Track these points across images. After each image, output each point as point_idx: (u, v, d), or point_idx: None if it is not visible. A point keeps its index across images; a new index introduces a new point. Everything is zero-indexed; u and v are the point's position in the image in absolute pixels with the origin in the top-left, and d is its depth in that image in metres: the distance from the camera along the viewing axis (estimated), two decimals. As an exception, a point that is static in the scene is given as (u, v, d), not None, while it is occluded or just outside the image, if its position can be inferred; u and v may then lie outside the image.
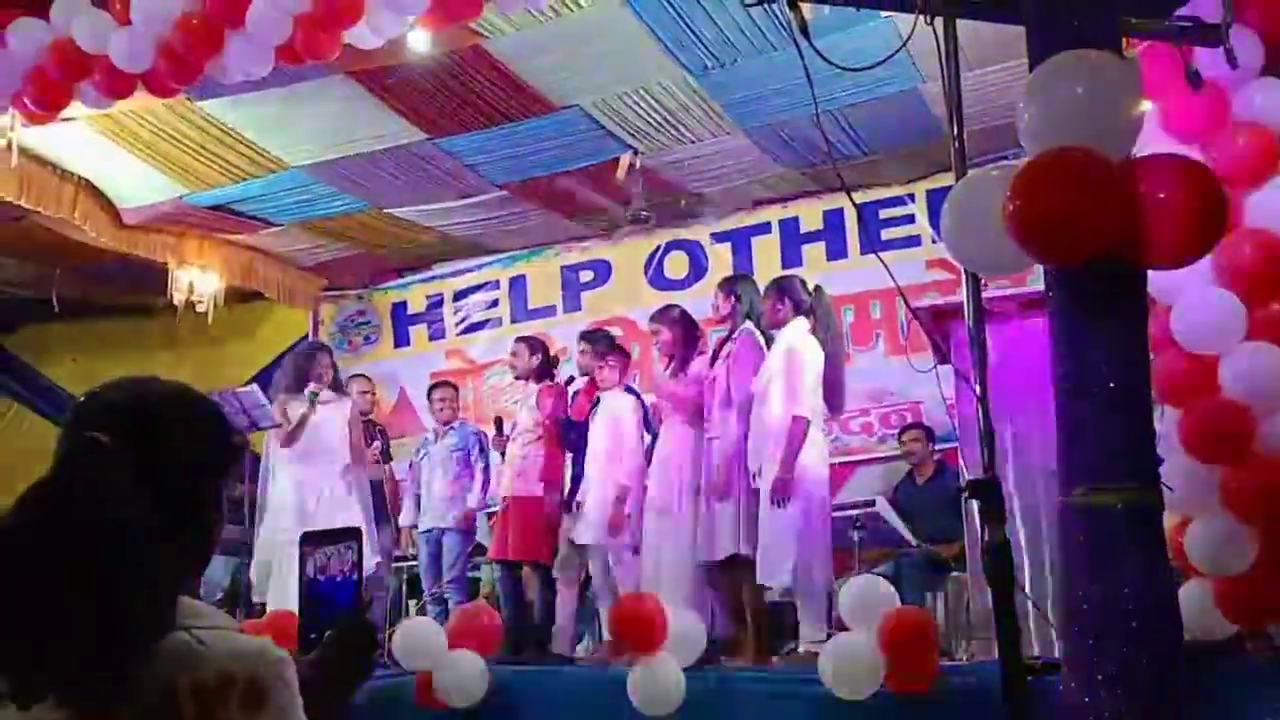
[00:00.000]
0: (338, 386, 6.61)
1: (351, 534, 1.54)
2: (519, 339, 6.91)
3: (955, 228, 2.42)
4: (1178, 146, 3.39)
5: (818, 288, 5.53)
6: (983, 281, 2.69)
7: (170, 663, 1.17)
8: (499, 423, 6.71)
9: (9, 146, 6.01)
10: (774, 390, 5.20)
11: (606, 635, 4.86)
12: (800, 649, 5.02)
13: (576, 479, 6.20)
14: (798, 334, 5.29)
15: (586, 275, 8.78)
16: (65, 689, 1.16)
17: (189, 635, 1.20)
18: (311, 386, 6.45)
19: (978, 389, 2.46)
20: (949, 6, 2.56)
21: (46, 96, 5.12)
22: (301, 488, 6.27)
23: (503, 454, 6.58)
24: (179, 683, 1.17)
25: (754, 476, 5.22)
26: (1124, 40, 2.61)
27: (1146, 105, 2.34)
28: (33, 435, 9.27)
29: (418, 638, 4.84)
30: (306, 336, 9.36)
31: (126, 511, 1.19)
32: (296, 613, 1.53)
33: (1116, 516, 2.15)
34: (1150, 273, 2.44)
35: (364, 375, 7.71)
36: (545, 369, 6.61)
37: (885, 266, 2.71)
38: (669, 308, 6.15)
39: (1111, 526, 2.16)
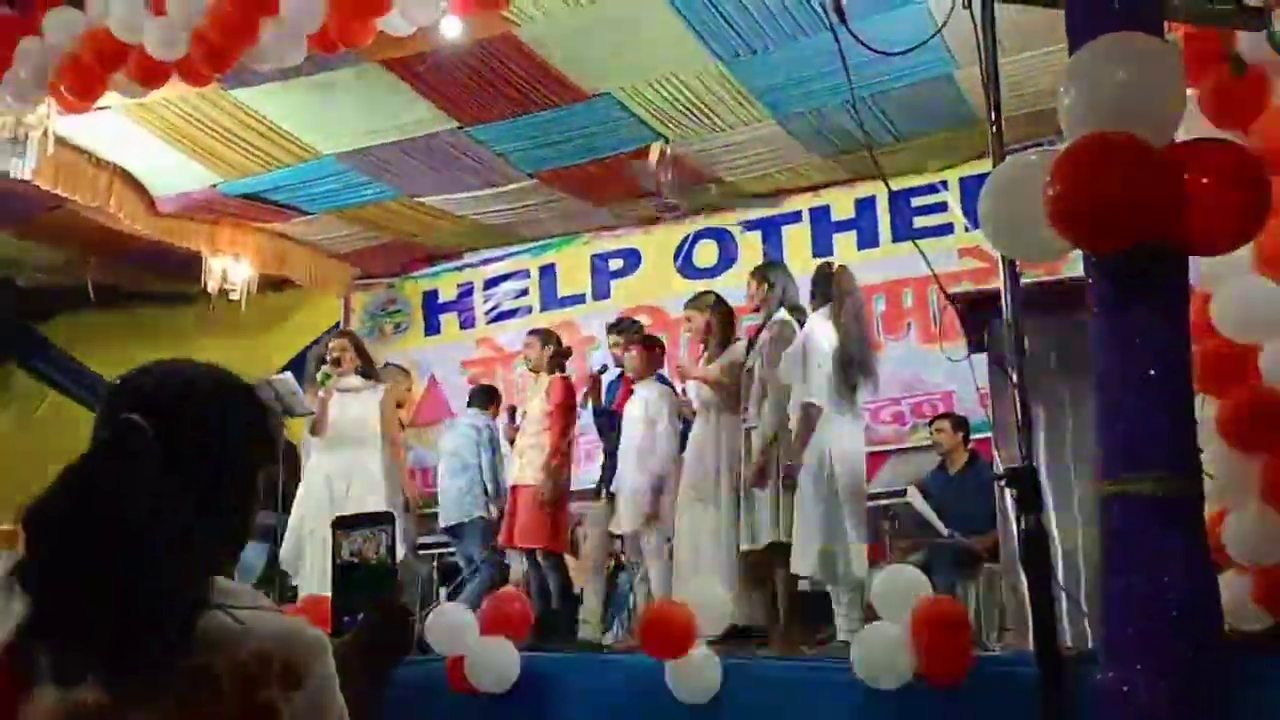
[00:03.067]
0: (368, 373, 6.58)
1: (384, 518, 1.54)
2: (531, 332, 6.94)
3: (994, 213, 2.39)
4: (1219, 132, 3.35)
5: (841, 267, 5.48)
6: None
7: (209, 643, 1.18)
8: (512, 412, 6.77)
9: (45, 135, 6.07)
10: (794, 378, 5.20)
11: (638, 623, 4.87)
12: (834, 638, 5.01)
13: (610, 469, 6.21)
14: (817, 320, 5.27)
15: (616, 263, 8.78)
16: (102, 670, 1.17)
17: (227, 615, 1.20)
18: (324, 369, 6.46)
19: (1014, 377, 2.44)
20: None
21: (82, 85, 5.16)
22: (330, 475, 6.30)
23: (511, 442, 6.62)
24: (218, 662, 1.17)
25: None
26: (1165, 24, 2.56)
27: (1189, 90, 2.31)
28: (70, 422, 9.37)
29: (450, 624, 4.86)
30: (338, 324, 9.42)
31: (158, 495, 1.19)
32: (329, 596, 1.54)
33: (1156, 505, 2.12)
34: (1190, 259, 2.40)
35: (399, 367, 7.69)
36: (558, 360, 6.61)
37: (922, 254, 2.69)
38: (704, 294, 6.14)
39: (1151, 515, 2.13)
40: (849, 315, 5.25)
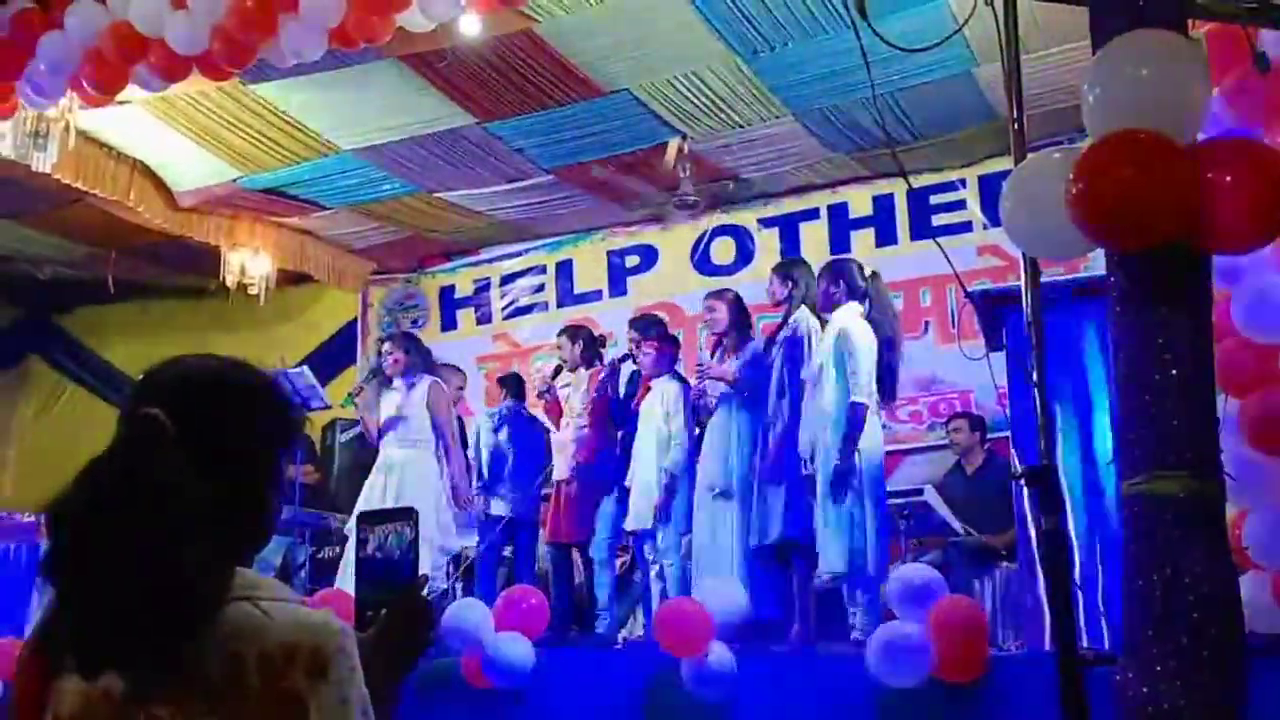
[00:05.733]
0: (411, 367, 6.52)
1: (407, 513, 1.54)
2: (560, 331, 6.92)
3: (1016, 211, 2.38)
4: (1242, 130, 3.33)
5: (874, 273, 5.48)
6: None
7: (235, 633, 1.19)
8: (547, 407, 6.79)
9: (66, 129, 6.11)
10: (826, 376, 5.17)
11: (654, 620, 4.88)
12: (851, 636, 5.01)
13: (623, 463, 6.20)
14: (851, 318, 5.24)
15: (633, 260, 8.79)
16: (125, 661, 1.18)
17: (253, 606, 1.21)
18: (349, 391, 6.56)
19: (1035, 376, 2.43)
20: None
21: (103, 79, 5.18)
22: (386, 472, 6.32)
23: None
24: (245, 652, 1.18)
25: (805, 463, 5.19)
26: (1189, 22, 2.54)
27: (1213, 88, 2.29)
28: (89, 414, 9.44)
29: (465, 618, 4.87)
30: (355, 319, 9.45)
31: (180, 489, 1.20)
32: (353, 591, 1.54)
33: (1177, 505, 2.11)
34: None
35: (453, 366, 7.65)
36: (591, 354, 6.61)
37: (943, 252, 2.68)
38: (725, 289, 6.14)
39: (1172, 515, 2.12)
40: (889, 322, 5.28)
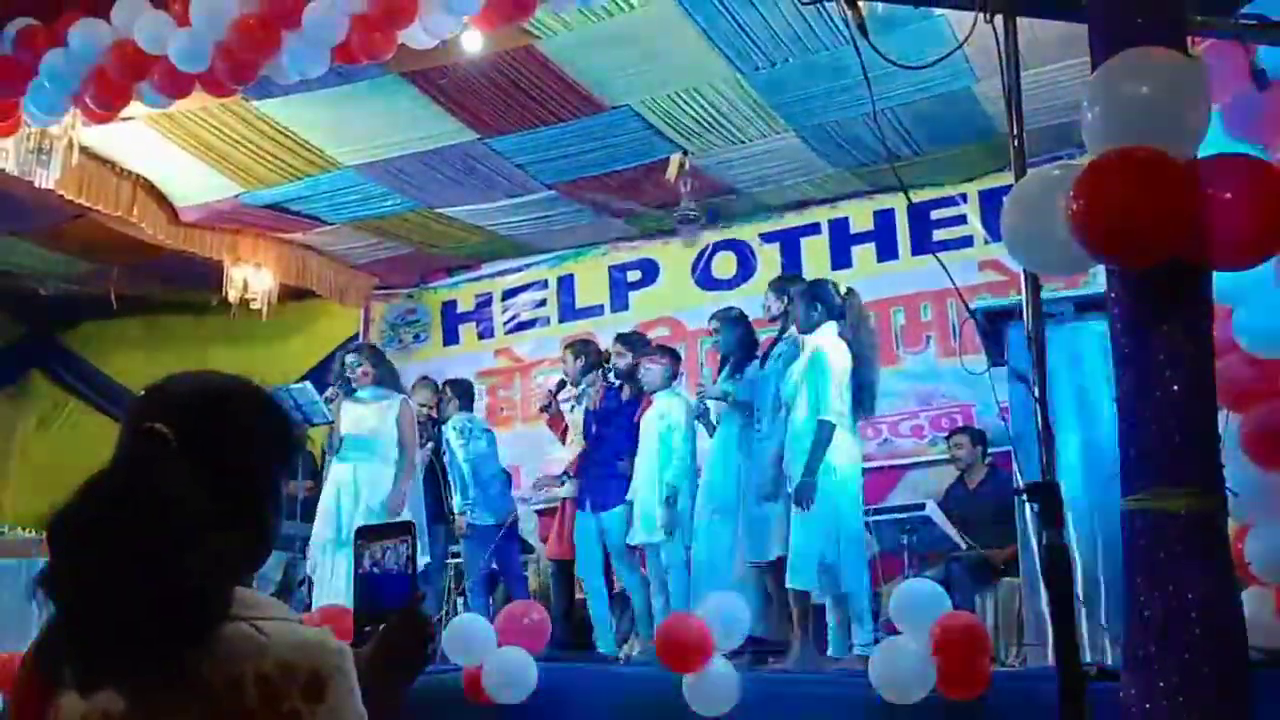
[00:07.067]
0: (381, 383, 6.52)
1: (405, 528, 1.54)
2: (565, 345, 6.92)
3: (1016, 227, 2.38)
4: (1241, 147, 3.33)
5: (850, 290, 5.49)
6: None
7: (233, 653, 1.18)
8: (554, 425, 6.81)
9: (69, 145, 6.12)
10: (801, 394, 5.19)
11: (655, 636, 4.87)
12: (852, 652, 5.00)
13: (625, 478, 6.18)
14: (826, 337, 5.27)
15: (634, 275, 8.80)
16: (124, 678, 1.17)
17: (251, 626, 1.21)
18: (327, 393, 6.56)
19: (1036, 391, 2.43)
20: (1010, 4, 2.54)
21: (107, 96, 5.20)
22: (342, 486, 6.28)
23: None
24: (243, 672, 1.18)
25: (789, 480, 5.20)
26: (1188, 39, 2.55)
27: (1212, 104, 2.30)
28: (92, 429, 9.44)
29: (467, 633, 4.85)
30: (357, 335, 9.45)
31: (183, 502, 1.20)
32: (349, 606, 1.54)
33: (1179, 521, 2.12)
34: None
35: (430, 381, 7.64)
36: (591, 368, 6.60)
37: (944, 267, 2.68)
38: (731, 308, 6.14)
39: (1174, 531, 2.12)
40: (866, 340, 5.28)
